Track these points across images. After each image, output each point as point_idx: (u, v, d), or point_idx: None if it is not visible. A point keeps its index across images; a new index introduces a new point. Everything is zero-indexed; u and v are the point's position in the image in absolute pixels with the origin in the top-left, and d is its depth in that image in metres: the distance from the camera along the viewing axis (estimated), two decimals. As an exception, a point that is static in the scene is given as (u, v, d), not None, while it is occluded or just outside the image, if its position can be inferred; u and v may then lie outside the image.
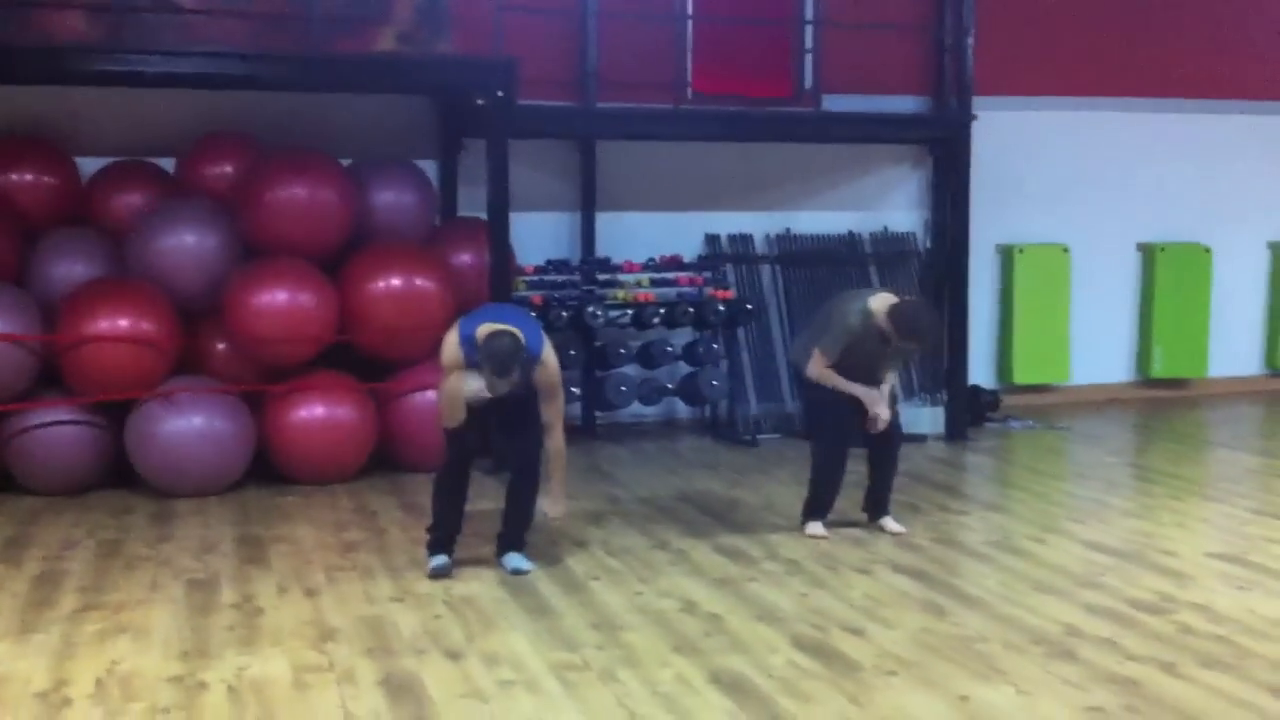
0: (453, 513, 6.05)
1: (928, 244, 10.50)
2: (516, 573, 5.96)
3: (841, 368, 6.53)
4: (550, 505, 6.14)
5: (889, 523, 6.80)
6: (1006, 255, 10.82)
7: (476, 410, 5.80)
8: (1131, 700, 4.42)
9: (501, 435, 6.15)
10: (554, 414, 5.96)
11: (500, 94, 8.21)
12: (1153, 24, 11.07)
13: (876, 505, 6.89)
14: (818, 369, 6.54)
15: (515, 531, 6.13)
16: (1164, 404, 10.99)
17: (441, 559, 5.98)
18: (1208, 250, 11.23)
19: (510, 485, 6.13)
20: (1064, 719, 4.28)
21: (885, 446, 6.77)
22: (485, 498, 6.96)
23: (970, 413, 9.85)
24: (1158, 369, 11.19)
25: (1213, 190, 11.36)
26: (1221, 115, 11.28)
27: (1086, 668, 4.74)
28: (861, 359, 6.54)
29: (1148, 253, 11.19)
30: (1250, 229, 11.50)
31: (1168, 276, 11.12)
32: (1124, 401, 11.06)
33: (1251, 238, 11.54)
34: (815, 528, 6.73)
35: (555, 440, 5.99)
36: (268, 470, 7.96)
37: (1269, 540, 6.53)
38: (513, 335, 5.68)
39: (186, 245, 8.02)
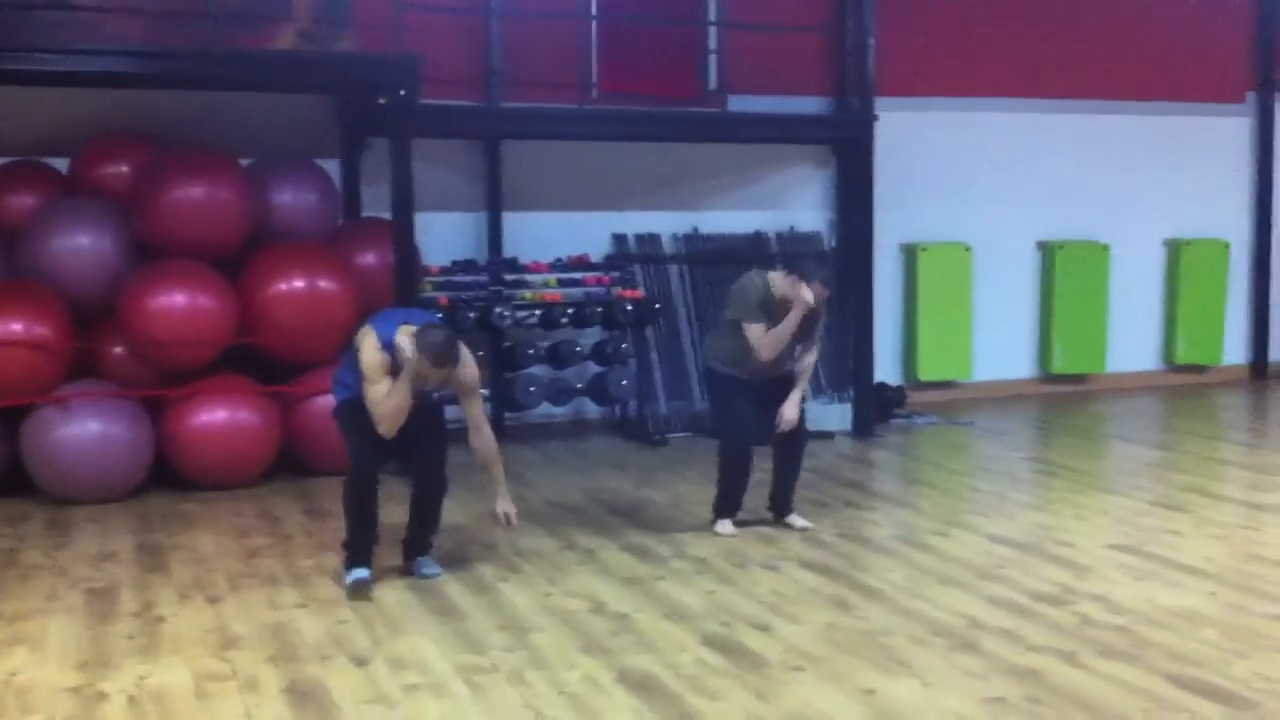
0: (369, 522, 5.85)
1: (833, 243, 10.59)
2: (428, 577, 5.90)
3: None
4: (505, 506, 5.98)
5: (795, 519, 6.85)
6: (910, 254, 10.96)
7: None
8: (1033, 690, 4.49)
9: (406, 440, 5.97)
10: (479, 413, 5.89)
11: (402, 92, 8.12)
12: (1052, 25, 11.27)
13: (781, 502, 6.93)
14: (758, 337, 6.49)
15: (423, 536, 6.06)
16: (1064, 399, 11.20)
17: (362, 572, 5.75)
18: (1105, 248, 11.47)
19: (417, 490, 6.03)
20: (967, 710, 4.33)
21: (790, 444, 6.82)
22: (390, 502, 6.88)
23: (877, 409, 9.95)
24: (1058, 364, 11.40)
25: (1110, 189, 11.60)
26: (1119, 115, 11.53)
27: (988, 659, 4.80)
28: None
29: (1047, 250, 11.40)
30: (1147, 227, 11.77)
31: (1067, 274, 11.33)
32: (1026, 397, 11.25)
33: (1148, 235, 11.80)
34: (725, 526, 6.74)
35: (487, 440, 5.91)
36: (168, 476, 7.81)
37: (1166, 531, 6.68)
38: (443, 328, 5.73)
39: (81, 246, 7.85)
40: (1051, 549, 6.34)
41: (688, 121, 10.02)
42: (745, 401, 6.67)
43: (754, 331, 6.53)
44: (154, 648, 5.00)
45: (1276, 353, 12.41)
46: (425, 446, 5.93)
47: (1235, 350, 12.22)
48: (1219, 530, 6.70)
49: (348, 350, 5.95)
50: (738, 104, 10.15)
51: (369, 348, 5.67)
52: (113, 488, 7.52)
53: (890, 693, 4.49)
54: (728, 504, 6.81)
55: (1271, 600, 5.47)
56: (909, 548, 6.42)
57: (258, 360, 8.10)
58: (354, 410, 5.81)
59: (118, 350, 7.88)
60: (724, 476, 6.81)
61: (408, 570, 5.99)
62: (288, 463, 8.12)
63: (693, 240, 10.32)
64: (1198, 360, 11.97)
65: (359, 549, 5.83)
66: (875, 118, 9.93)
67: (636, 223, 10.15)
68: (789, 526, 6.81)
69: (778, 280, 6.57)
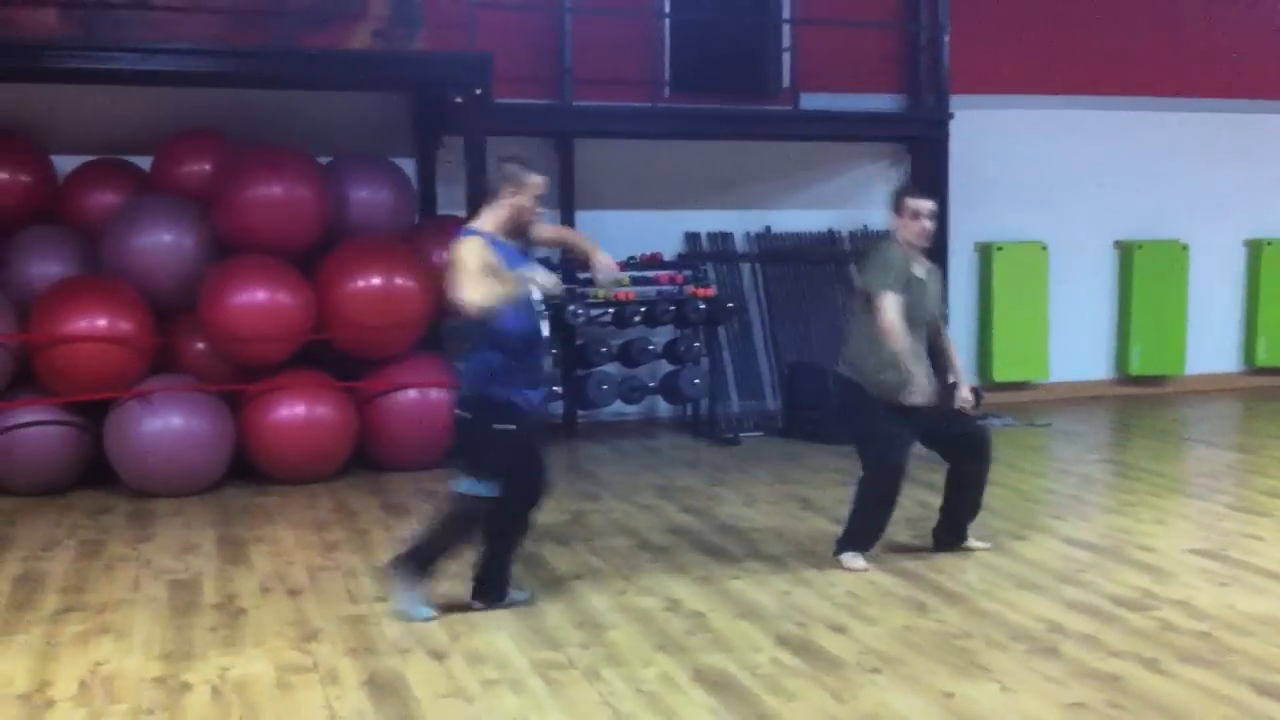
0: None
1: (907, 242, 10.51)
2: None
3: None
4: (598, 257, 5.51)
5: (973, 542, 6.30)
6: (985, 253, 10.86)
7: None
8: (1114, 696, 4.43)
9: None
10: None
11: (477, 91, 8.18)
12: (1128, 23, 11.12)
13: (955, 531, 6.28)
14: (890, 316, 5.72)
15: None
16: (1142, 401, 11.05)
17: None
18: (1185, 247, 11.30)
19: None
20: (1047, 715, 4.29)
21: (972, 457, 6.11)
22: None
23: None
24: (1136, 366, 11.25)
25: (1189, 188, 11.42)
26: (1197, 113, 11.36)
27: (1069, 664, 4.75)
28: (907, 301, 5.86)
29: (1125, 250, 11.25)
30: (1227, 226, 11.58)
31: (1145, 274, 11.17)
32: (1103, 399, 11.11)
33: (1228, 235, 11.62)
34: (855, 560, 6.01)
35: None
36: (247, 470, 7.92)
37: (1247, 536, 6.56)
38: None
39: (162, 243, 7.99)
40: (1131, 553, 6.26)
41: (759, 120, 10.00)
42: (891, 410, 5.89)
43: (887, 303, 5.75)
44: (236, 639, 5.08)
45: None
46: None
47: (1318, 352, 12.00)
48: (1303, 536, 6.58)
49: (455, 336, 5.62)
50: (810, 102, 10.11)
51: (470, 247, 5.12)
52: (194, 481, 7.64)
53: (969, 696, 4.46)
54: (866, 538, 6.08)
55: (1359, 608, 5.36)
56: (985, 550, 6.36)
57: (334, 356, 8.19)
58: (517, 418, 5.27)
59: (198, 345, 8.00)
60: (867, 507, 6.02)
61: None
62: (363, 458, 8.20)
63: (765, 239, 10.30)
64: (1279, 362, 11.75)
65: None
66: (950, 115, 9.87)
67: (709, 221, 10.15)
68: (968, 550, 6.27)
69: (896, 227, 5.95)
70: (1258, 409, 10.89)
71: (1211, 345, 11.58)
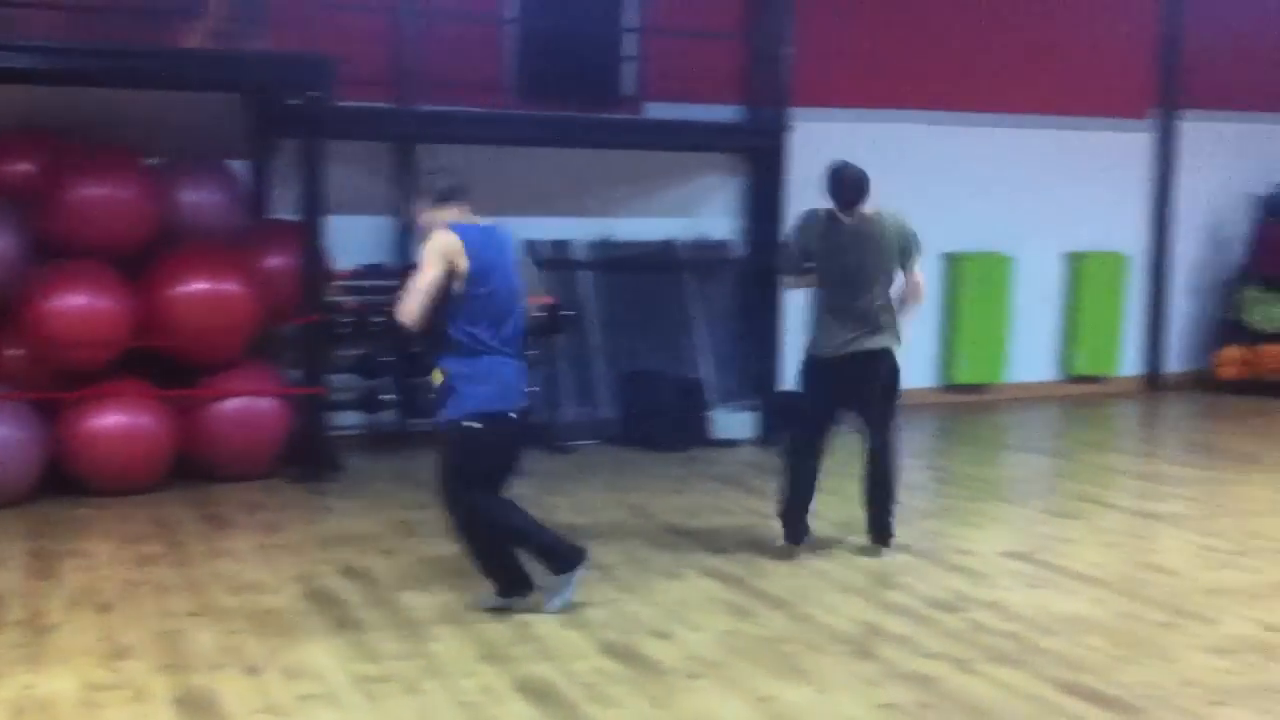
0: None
1: (744, 251, 10.66)
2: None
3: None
4: None
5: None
6: (819, 263, 11.03)
7: None
8: (924, 696, 4.56)
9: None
10: None
11: (315, 93, 8.05)
12: (960, 40, 11.44)
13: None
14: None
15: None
16: (964, 408, 11.37)
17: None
18: (1009, 259, 11.67)
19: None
20: (860, 716, 4.40)
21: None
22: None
23: (781, 417, 10.01)
24: (961, 375, 11.58)
25: (1015, 202, 11.80)
26: (1024, 129, 11.73)
27: (884, 665, 4.87)
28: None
29: (953, 262, 11.56)
30: (1048, 240, 11.98)
31: (972, 285, 11.50)
32: (928, 405, 11.39)
33: (1049, 248, 12.02)
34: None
35: None
36: (63, 481, 7.66)
37: (1059, 539, 6.81)
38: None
39: (-22, 245, 7.68)
40: (948, 556, 6.44)
41: (602, 127, 10.02)
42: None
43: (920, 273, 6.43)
44: (41, 656, 4.91)
45: (1171, 364, 12.72)
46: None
47: (1131, 362, 12.51)
48: (1111, 538, 6.86)
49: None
50: (653, 111, 10.17)
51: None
52: (5, 492, 7.34)
53: (786, 699, 4.54)
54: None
55: (1158, 607, 5.60)
56: (809, 554, 6.48)
57: (159, 363, 7.97)
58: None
59: (13, 352, 7.70)
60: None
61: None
62: (187, 469, 7.99)
63: (604, 247, 10.33)
64: (1095, 371, 12.23)
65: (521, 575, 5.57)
66: (788, 127, 10.01)
67: (548, 229, 10.13)
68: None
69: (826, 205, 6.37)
70: (1074, 416, 11.31)
71: (1032, 355, 11.98)
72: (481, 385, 5.27)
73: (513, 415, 5.38)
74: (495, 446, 5.33)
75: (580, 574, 5.52)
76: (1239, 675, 4.76)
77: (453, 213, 5.45)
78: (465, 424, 5.27)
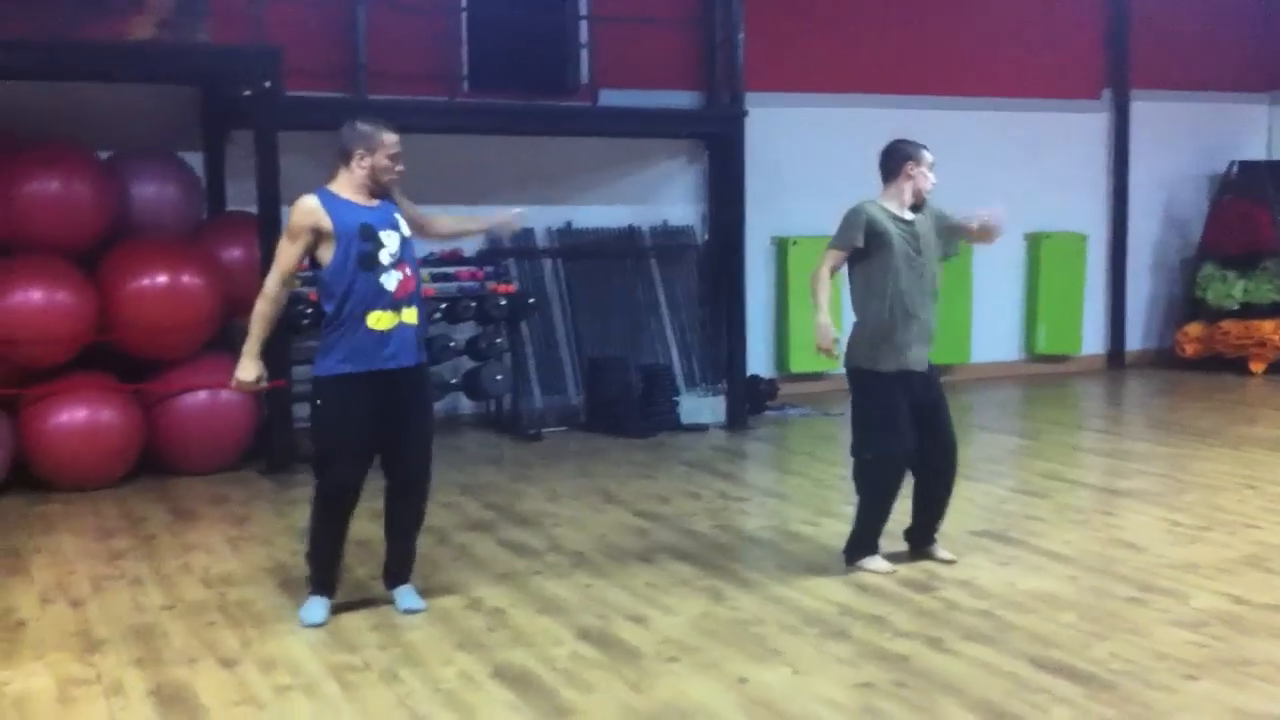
0: (338, 544, 5.23)
1: (706, 237, 10.68)
2: (411, 611, 5.28)
3: (887, 299, 5.81)
4: (500, 218, 5.75)
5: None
6: (781, 247, 11.09)
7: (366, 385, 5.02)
8: (900, 675, 4.58)
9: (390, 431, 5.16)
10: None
11: (267, 84, 7.99)
12: (915, 23, 11.51)
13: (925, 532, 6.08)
14: (820, 273, 5.82)
15: (403, 558, 5.43)
16: (931, 389, 11.42)
17: (320, 610, 5.19)
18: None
19: (397, 500, 5.33)
20: (836, 696, 4.41)
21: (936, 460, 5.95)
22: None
23: (749, 401, 10.06)
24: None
25: (973, 184, 11.79)
26: (981, 111, 11.81)
27: (858, 645, 4.89)
28: (900, 273, 5.84)
29: (914, 244, 11.61)
30: (1008, 221, 12.02)
31: (932, 267, 11.53)
32: (894, 388, 11.45)
33: (1009, 229, 12.04)
34: (877, 563, 5.86)
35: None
36: (26, 478, 7.57)
37: (1027, 517, 6.87)
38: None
39: (-69, 242, 7.58)
40: (918, 536, 6.47)
41: (557, 116, 9.99)
42: (895, 399, 5.82)
43: (823, 263, 5.91)
44: (14, 653, 4.86)
45: (1132, 342, 12.85)
46: (414, 440, 5.24)
47: (1093, 340, 12.63)
48: (1078, 515, 6.92)
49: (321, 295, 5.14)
50: (609, 98, 10.16)
51: (303, 207, 5.03)
52: (-33, 491, 7.27)
53: (762, 680, 4.55)
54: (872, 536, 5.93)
55: (1128, 583, 5.65)
56: (781, 537, 6.51)
57: (119, 358, 7.89)
58: (338, 389, 5.04)
59: (-29, 349, 7.62)
60: (867, 501, 5.90)
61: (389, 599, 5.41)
62: (151, 463, 7.92)
63: (566, 234, 10.32)
64: (1057, 350, 12.34)
65: (326, 576, 5.25)
66: (745, 112, 10.02)
67: (508, 217, 10.10)
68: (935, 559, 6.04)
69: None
70: (1037, 395, 11.41)
71: (994, 335, 12.07)
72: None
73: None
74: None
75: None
76: (1210, 649, 4.81)
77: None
78: None
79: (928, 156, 5.91)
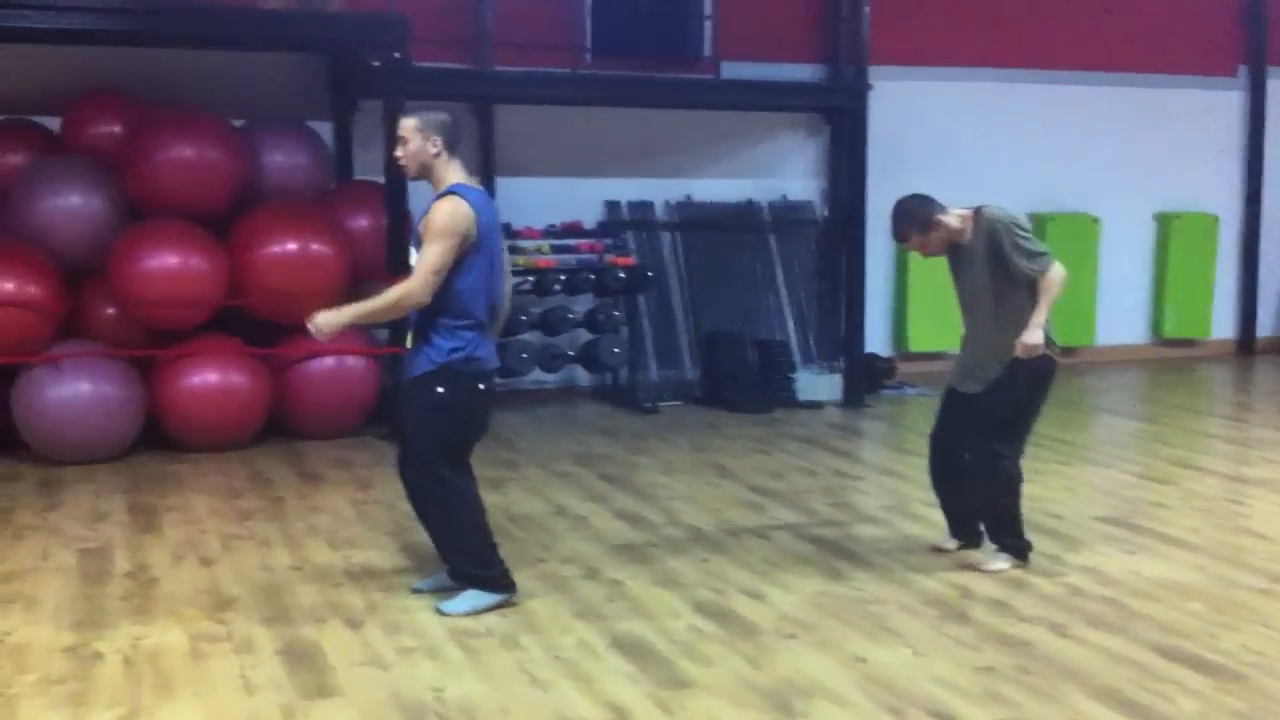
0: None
1: (825, 212, 10.59)
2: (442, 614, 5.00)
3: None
4: None
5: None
6: (902, 224, 10.93)
7: None
8: (1022, 660, 4.53)
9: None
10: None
11: (395, 54, 8.08)
12: (1045, -2, 11.26)
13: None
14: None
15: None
16: (1052, 371, 11.22)
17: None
18: (1096, 220, 11.48)
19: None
20: (957, 679, 4.37)
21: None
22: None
23: (867, 380, 9.97)
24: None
25: (1102, 161, 11.60)
26: (1111, 87, 11.52)
27: (979, 629, 4.84)
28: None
29: (1038, 222, 11.38)
30: (1137, 200, 11.78)
31: (1057, 246, 11.23)
32: (1014, 368, 11.27)
33: (1138, 208, 11.82)
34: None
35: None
36: (159, 437, 7.80)
37: (1152, 504, 6.72)
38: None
39: (71, 206, 7.82)
40: (1040, 520, 6.36)
41: (680, 87, 9.97)
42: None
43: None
44: (148, 608, 5.01)
45: (1264, 327, 12.48)
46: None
47: (1223, 325, 12.28)
48: (1205, 503, 6.76)
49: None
50: (731, 71, 10.11)
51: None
52: (104, 448, 7.51)
53: (881, 660, 4.53)
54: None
55: (1256, 573, 5.51)
56: (898, 517, 6.46)
57: (248, 322, 8.08)
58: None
59: (108, 310, 7.85)
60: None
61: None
62: (278, 426, 8.11)
63: (685, 208, 10.31)
64: (1186, 334, 12.02)
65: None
66: (869, 86, 9.90)
67: (629, 190, 10.13)
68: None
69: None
70: (1164, 379, 11.14)
71: (1120, 317, 11.80)
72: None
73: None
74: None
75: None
76: (1344, 643, 4.67)
77: (457, 168, 5.02)
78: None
79: None
